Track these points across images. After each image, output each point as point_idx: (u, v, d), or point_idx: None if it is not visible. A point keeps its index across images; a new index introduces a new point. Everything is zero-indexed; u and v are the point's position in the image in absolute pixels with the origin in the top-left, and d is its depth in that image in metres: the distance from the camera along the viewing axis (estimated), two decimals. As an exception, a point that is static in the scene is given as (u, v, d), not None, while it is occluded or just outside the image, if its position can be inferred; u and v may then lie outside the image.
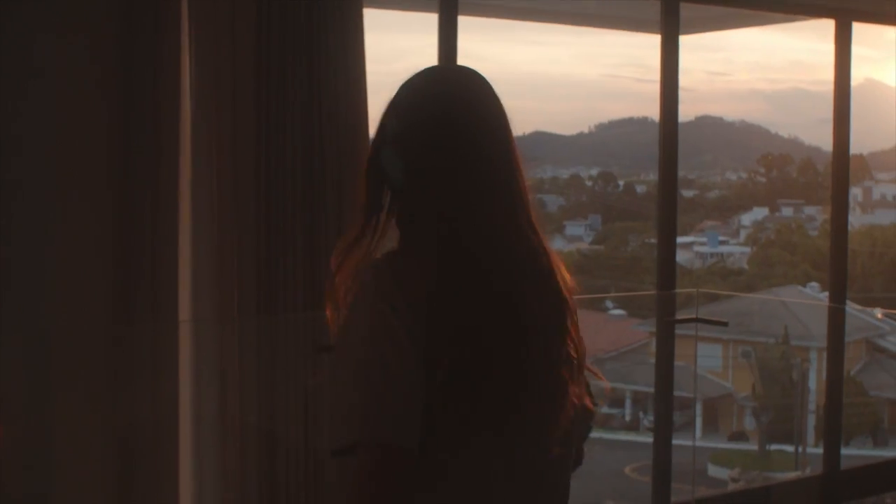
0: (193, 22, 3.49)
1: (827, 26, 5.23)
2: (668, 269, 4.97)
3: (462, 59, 4.25)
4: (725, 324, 5.79)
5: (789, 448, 21.28)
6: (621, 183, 37.61)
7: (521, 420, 1.82)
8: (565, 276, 1.95)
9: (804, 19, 5.42)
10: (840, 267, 5.54)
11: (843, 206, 5.57)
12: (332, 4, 3.70)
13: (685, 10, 4.99)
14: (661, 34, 5.00)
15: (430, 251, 1.82)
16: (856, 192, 30.27)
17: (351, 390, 1.75)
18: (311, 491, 3.52)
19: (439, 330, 1.75)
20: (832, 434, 5.58)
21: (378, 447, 1.70)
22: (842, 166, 5.50)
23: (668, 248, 5.02)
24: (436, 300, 1.77)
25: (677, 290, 5.03)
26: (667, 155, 5.03)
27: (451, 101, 1.91)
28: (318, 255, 3.60)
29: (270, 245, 3.55)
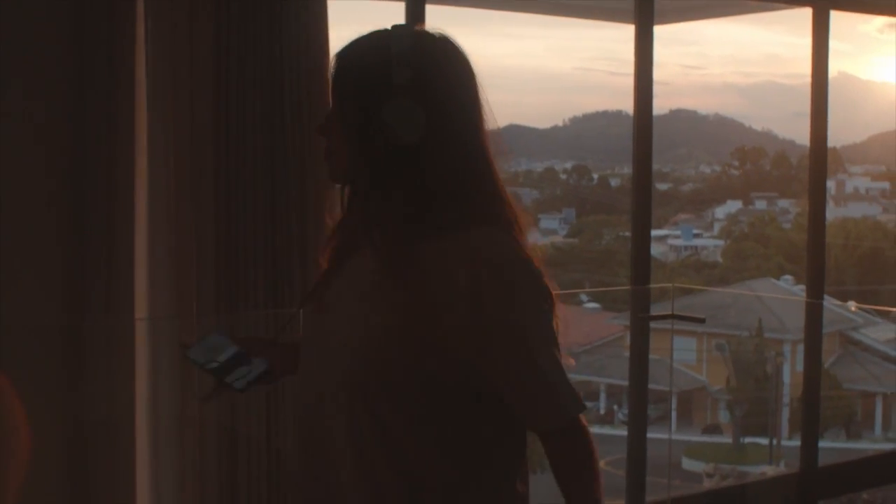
0: (150, 14, 3.41)
1: (802, 18, 5.17)
2: (642, 263, 4.90)
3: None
4: (702, 320, 5.73)
5: (763, 441, 21.35)
6: (595, 176, 37.72)
7: None
8: None
9: (781, 8, 5.34)
10: (818, 261, 5.47)
11: (820, 199, 5.49)
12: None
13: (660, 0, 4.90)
14: (636, 23, 4.91)
15: (504, 221, 1.82)
16: (829, 185, 30.38)
17: (559, 370, 1.78)
18: (273, 489, 3.46)
19: None
20: (809, 431, 5.52)
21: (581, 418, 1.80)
22: (819, 157, 5.42)
23: (642, 241, 4.95)
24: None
25: (652, 286, 4.97)
26: (641, 148, 4.96)
27: (468, 61, 1.85)
28: (279, 254, 3.52)
29: (230, 242, 3.46)
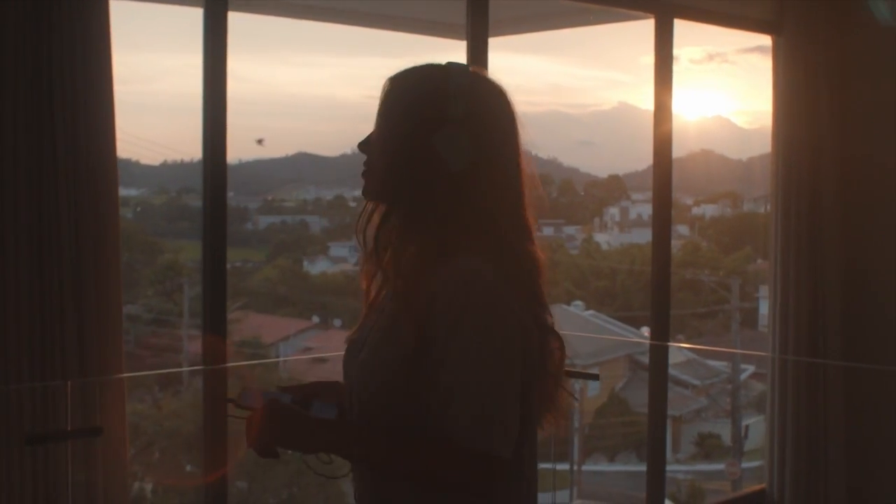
0: None
1: (586, 48, 4.97)
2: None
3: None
4: (596, 377, 5.45)
5: (549, 466, 21.43)
6: (385, 204, 37.72)
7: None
8: None
9: (625, 20, 5.11)
10: (663, 299, 5.23)
11: (665, 233, 5.24)
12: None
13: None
14: (468, 37, 4.57)
15: (513, 256, 1.89)
16: (614, 212, 31.10)
17: (492, 401, 1.80)
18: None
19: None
20: (656, 460, 5.31)
21: (494, 458, 1.79)
22: (663, 179, 5.18)
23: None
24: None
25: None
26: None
27: (511, 105, 1.96)
28: (48, 315, 3.03)
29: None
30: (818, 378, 5.39)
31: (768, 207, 5.38)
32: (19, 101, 3.13)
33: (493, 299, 1.80)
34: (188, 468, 14.95)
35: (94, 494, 3.20)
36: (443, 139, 1.86)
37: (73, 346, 3.16)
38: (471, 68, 1.97)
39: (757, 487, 5.67)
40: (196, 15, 3.74)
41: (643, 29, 4.91)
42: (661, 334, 5.16)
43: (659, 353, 5.22)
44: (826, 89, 5.36)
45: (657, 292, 5.19)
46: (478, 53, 4.56)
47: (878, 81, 5.38)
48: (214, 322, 3.78)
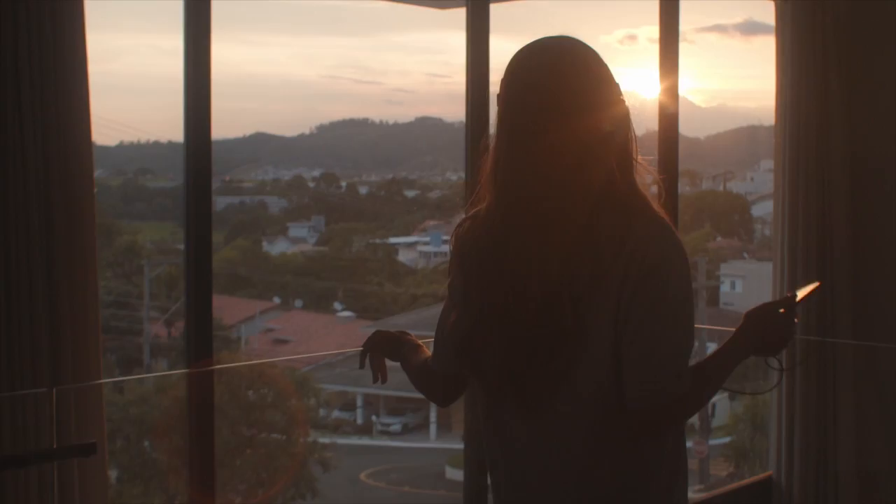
0: None
1: (543, 27, 4.72)
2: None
3: (177, 60, 3.56)
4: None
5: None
6: (344, 184, 37.51)
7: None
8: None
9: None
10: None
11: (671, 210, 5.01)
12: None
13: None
14: (468, 3, 4.32)
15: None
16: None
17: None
18: None
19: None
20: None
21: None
22: (670, 162, 4.96)
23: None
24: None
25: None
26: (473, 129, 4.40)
27: (513, 70, 2.03)
28: (17, 316, 2.71)
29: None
30: (827, 358, 5.18)
31: (726, 186, 5.16)
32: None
33: None
34: (154, 455, 14.71)
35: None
36: None
37: (44, 350, 2.81)
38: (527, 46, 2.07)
39: (763, 475, 5.46)
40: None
41: (606, 6, 4.70)
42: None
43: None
44: (834, 56, 5.13)
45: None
46: (478, 20, 4.33)
47: (890, 46, 5.15)
48: (199, 308, 3.47)
